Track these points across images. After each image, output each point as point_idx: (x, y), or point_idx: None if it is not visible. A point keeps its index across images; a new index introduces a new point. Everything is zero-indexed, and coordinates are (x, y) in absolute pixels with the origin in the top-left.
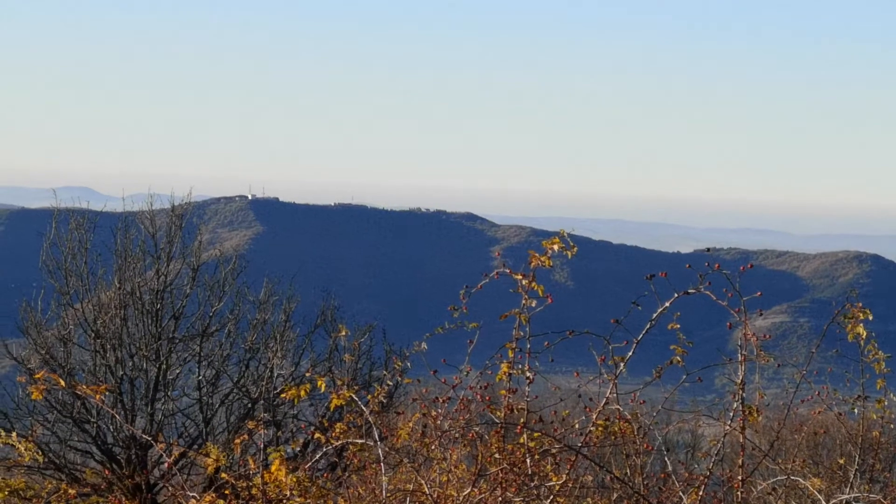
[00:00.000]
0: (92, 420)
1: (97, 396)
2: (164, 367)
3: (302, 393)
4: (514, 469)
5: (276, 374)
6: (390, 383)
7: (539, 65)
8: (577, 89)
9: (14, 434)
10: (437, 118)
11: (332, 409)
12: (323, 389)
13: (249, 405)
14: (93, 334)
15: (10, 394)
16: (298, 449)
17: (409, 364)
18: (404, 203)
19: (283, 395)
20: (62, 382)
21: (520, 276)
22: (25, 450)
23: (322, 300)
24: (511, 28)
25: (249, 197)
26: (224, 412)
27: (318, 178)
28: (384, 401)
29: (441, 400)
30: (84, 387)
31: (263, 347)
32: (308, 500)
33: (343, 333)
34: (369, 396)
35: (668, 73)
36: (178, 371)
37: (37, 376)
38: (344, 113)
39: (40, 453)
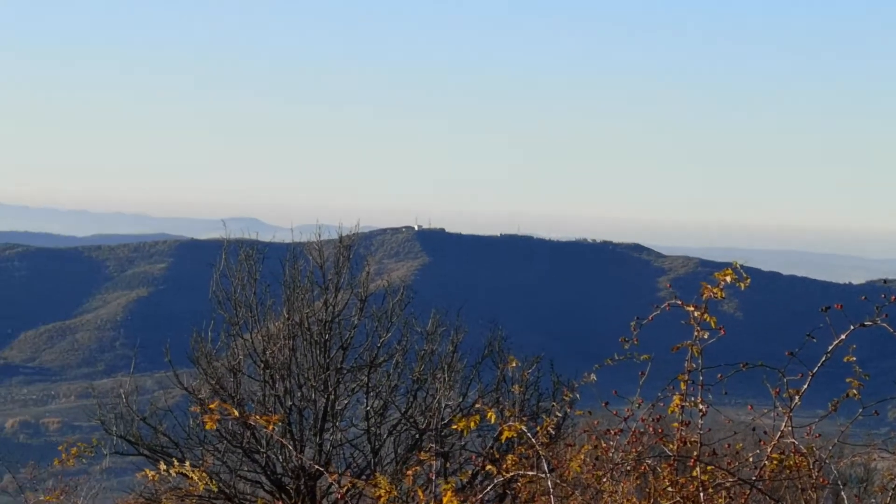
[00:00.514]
0: (261, 450)
1: (270, 427)
2: (332, 397)
3: (472, 424)
4: (687, 502)
5: (443, 405)
6: (559, 415)
7: (706, 98)
8: (745, 121)
9: (187, 463)
10: (605, 149)
11: (502, 441)
12: (493, 421)
13: (417, 436)
14: (262, 364)
15: (181, 423)
16: (466, 480)
17: (578, 395)
18: (571, 234)
19: (453, 427)
20: (235, 412)
21: (692, 308)
22: (199, 479)
23: (489, 331)
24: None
25: (416, 228)
26: (392, 443)
27: (485, 208)
28: (553, 432)
29: (613, 432)
30: (257, 417)
31: (431, 378)
32: None
33: (514, 364)
34: (538, 428)
35: (835, 100)
36: (346, 401)
37: (211, 406)
38: (511, 144)
39: (213, 483)
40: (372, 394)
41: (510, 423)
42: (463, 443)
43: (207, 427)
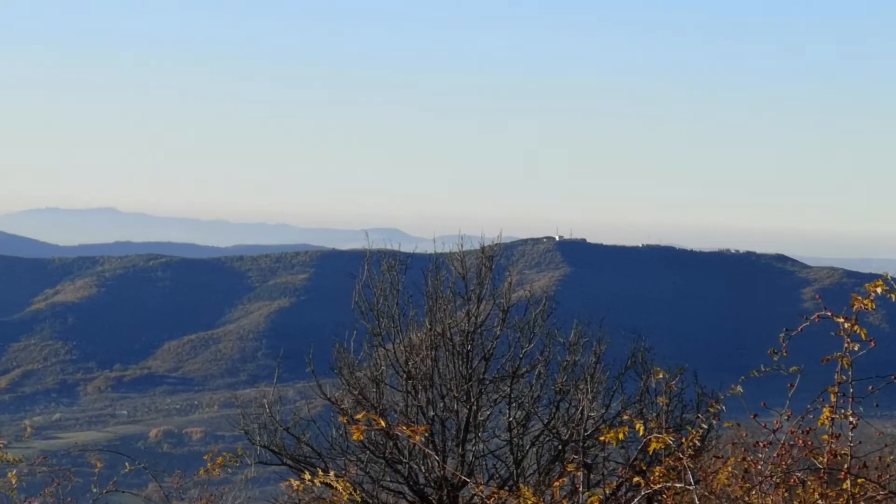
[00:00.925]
0: (404, 460)
1: (415, 437)
2: (474, 408)
3: (620, 436)
4: None
5: (586, 416)
6: (704, 426)
7: (848, 105)
8: (887, 130)
9: (332, 473)
10: (746, 159)
11: (649, 453)
12: (641, 433)
13: (560, 447)
14: (404, 375)
15: (324, 433)
16: (611, 492)
17: (723, 407)
18: (713, 244)
19: (601, 438)
20: (382, 423)
21: (842, 320)
22: (342, 489)
23: (632, 342)
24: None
25: (557, 238)
26: (534, 454)
27: (626, 218)
28: (698, 444)
29: (761, 444)
30: (404, 428)
31: (574, 389)
32: None
33: (661, 376)
34: (683, 440)
35: None
36: (488, 412)
37: (358, 417)
38: (654, 154)
39: (356, 493)
40: (514, 405)
41: (657, 434)
42: (606, 454)
43: (354, 438)
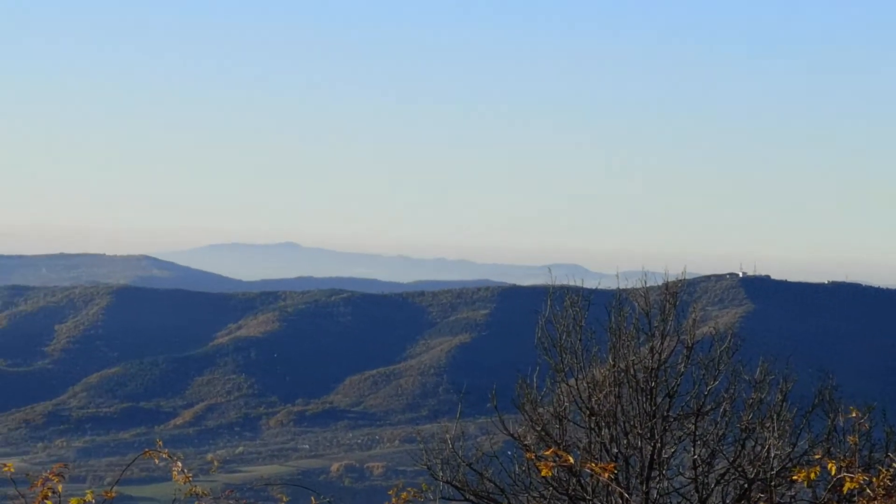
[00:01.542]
0: (587, 497)
1: (605, 475)
2: (658, 445)
3: (812, 475)
4: None
5: (773, 455)
6: (895, 466)
7: None
8: None
9: None
10: None
11: (842, 492)
12: (833, 472)
13: (745, 486)
14: (587, 411)
15: (506, 469)
16: None
17: None
18: None
19: (793, 478)
20: (570, 459)
21: None
22: None
23: (819, 379)
24: None
25: (740, 275)
26: (720, 492)
27: (812, 255)
28: (889, 484)
29: None
30: (592, 465)
31: (759, 427)
32: None
33: (854, 414)
34: (873, 479)
35: None
36: (672, 450)
37: (546, 453)
38: (838, 192)
39: None
40: (699, 442)
41: (852, 474)
42: (793, 493)
43: (542, 474)
